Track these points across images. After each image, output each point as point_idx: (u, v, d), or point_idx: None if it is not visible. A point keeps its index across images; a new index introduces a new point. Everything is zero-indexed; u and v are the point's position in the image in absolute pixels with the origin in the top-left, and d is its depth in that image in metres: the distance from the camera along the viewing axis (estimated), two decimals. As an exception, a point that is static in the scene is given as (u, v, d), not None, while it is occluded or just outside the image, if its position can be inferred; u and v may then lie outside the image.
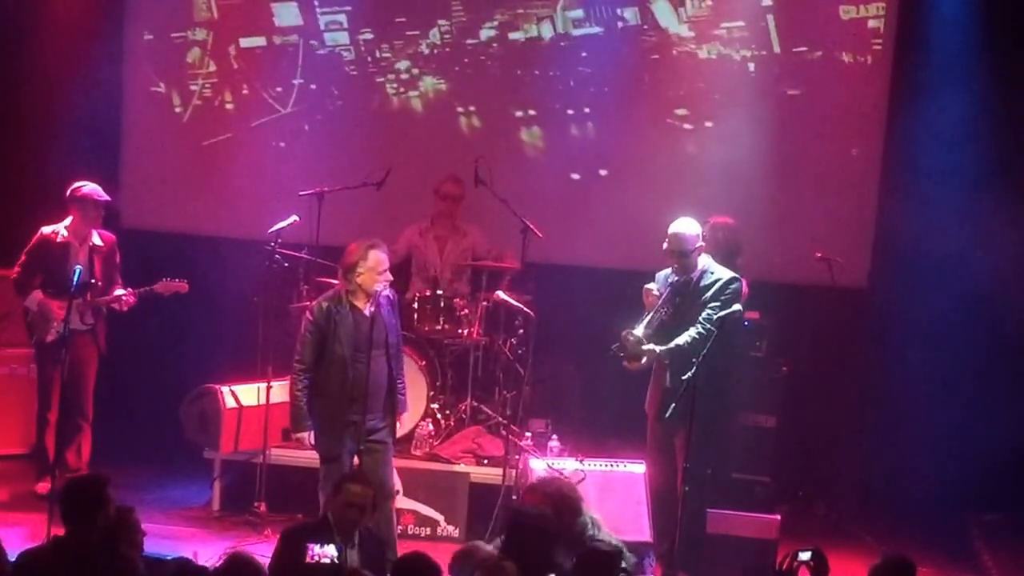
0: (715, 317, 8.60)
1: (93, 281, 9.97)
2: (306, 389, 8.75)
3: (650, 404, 9.04)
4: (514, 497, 9.37)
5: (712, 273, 8.89)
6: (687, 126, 11.52)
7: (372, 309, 8.66)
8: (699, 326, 8.69)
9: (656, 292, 8.92)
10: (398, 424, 9.00)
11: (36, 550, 6.79)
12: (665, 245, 8.89)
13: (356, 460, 8.79)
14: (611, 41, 11.60)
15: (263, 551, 8.97)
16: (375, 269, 8.64)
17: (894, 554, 6.81)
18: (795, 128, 11.36)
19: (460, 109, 11.89)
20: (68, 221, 10.18)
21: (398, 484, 9.43)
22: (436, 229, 10.96)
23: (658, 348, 8.79)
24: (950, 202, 10.80)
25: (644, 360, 8.84)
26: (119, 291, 10.10)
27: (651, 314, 8.86)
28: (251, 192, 11.75)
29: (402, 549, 8.82)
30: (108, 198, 10.27)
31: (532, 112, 11.72)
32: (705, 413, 8.41)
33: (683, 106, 11.54)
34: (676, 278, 8.92)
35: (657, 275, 9.07)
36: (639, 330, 8.81)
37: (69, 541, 6.69)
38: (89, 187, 10.17)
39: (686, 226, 8.89)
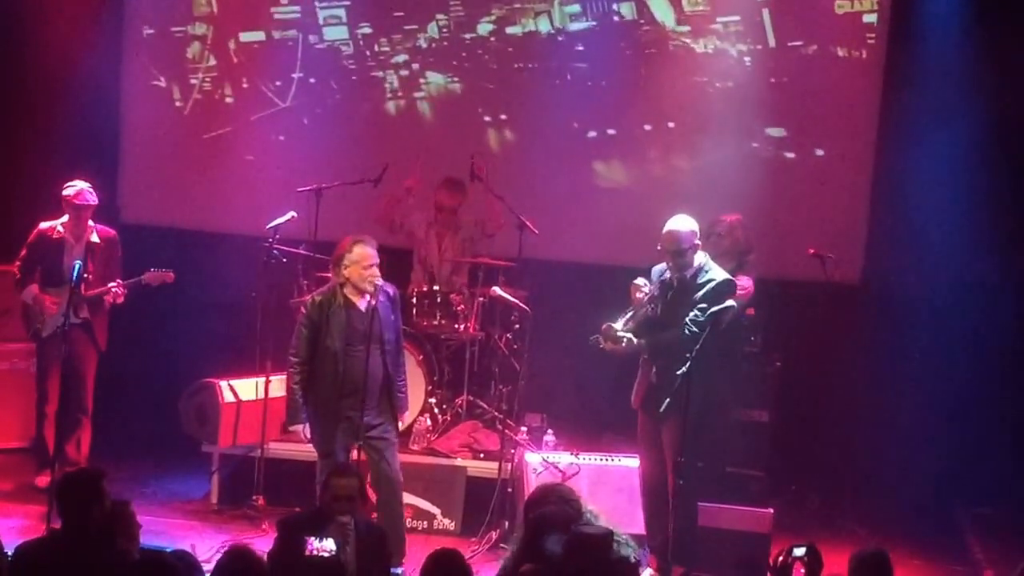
0: (702, 319, 8.56)
1: (86, 276, 9.98)
2: (301, 382, 8.83)
3: (635, 398, 9.00)
4: (509, 490, 9.45)
5: (707, 272, 8.76)
6: (682, 120, 11.56)
7: (371, 304, 8.69)
8: (685, 326, 8.63)
9: (645, 289, 8.84)
10: (400, 423, 9.07)
11: (33, 543, 6.84)
12: (659, 245, 8.77)
13: (356, 455, 8.85)
14: (607, 36, 11.65)
15: (261, 545, 9.10)
16: (360, 263, 8.68)
17: (872, 547, 6.87)
18: (789, 122, 11.41)
19: (456, 105, 11.95)
20: (65, 218, 10.25)
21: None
22: (438, 225, 11.00)
23: (636, 339, 8.73)
24: (943, 197, 10.84)
25: (624, 344, 8.77)
26: (110, 285, 10.14)
27: (636, 310, 8.78)
28: (250, 186, 11.84)
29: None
30: (94, 202, 10.21)
31: (528, 108, 11.75)
32: (694, 407, 8.44)
33: (679, 101, 11.57)
34: (669, 275, 8.90)
35: (653, 270, 9.00)
36: (619, 323, 8.76)
37: (65, 535, 6.75)
38: (76, 189, 10.16)
39: (681, 223, 8.75)
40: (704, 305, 8.61)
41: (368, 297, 8.73)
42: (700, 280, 8.76)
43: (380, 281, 8.74)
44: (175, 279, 10.18)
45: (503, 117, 11.88)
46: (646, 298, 8.79)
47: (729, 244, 9.94)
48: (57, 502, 6.90)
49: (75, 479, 7.02)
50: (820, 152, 11.43)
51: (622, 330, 8.72)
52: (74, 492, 6.81)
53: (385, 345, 8.76)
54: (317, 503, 8.00)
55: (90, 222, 10.23)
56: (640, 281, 8.86)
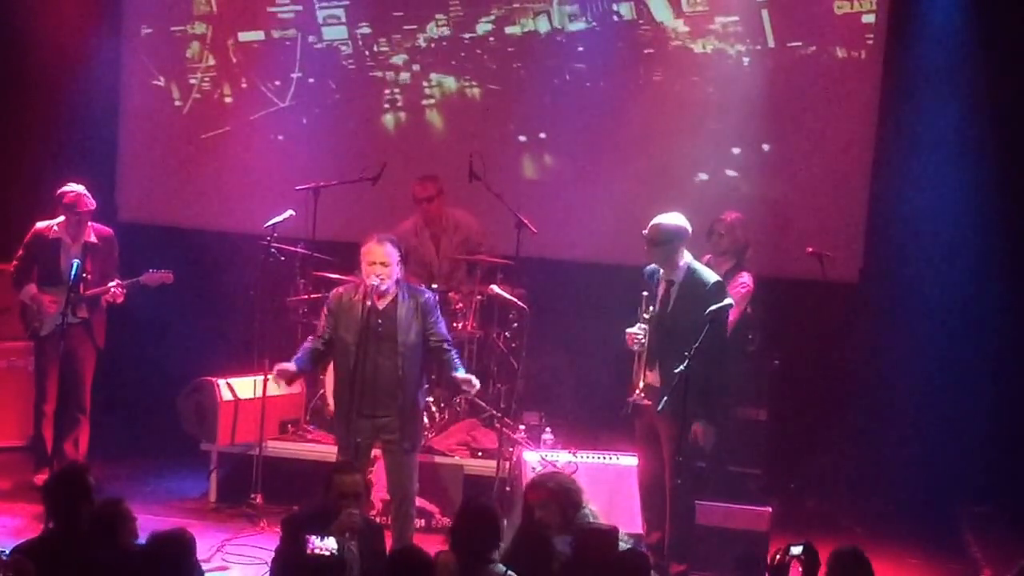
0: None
1: (84, 275, 9.98)
2: (308, 345, 8.83)
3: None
4: (507, 488, 9.46)
5: (695, 273, 8.80)
6: (681, 120, 11.56)
7: (384, 302, 8.63)
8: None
9: (638, 338, 8.79)
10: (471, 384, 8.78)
11: (27, 545, 6.83)
12: (644, 231, 8.81)
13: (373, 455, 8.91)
14: (606, 35, 11.66)
15: (260, 543, 9.14)
16: (364, 259, 8.64)
17: (848, 545, 6.89)
18: (788, 122, 11.40)
19: (451, 103, 11.97)
20: (61, 218, 10.24)
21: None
22: (430, 228, 11.01)
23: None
24: (942, 197, 10.86)
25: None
26: (109, 284, 10.11)
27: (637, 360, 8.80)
28: (249, 186, 11.86)
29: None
30: (92, 206, 10.19)
31: (526, 107, 11.77)
32: (692, 406, 8.43)
33: (677, 100, 11.58)
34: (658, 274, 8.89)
35: (645, 269, 9.01)
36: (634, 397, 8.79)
37: (58, 533, 6.74)
38: (73, 194, 10.13)
39: (669, 219, 8.80)
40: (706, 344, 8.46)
41: (388, 295, 8.67)
42: (696, 280, 8.78)
43: (378, 281, 8.60)
44: (174, 279, 10.17)
45: (503, 117, 11.88)
46: (642, 346, 8.77)
47: (729, 243, 9.96)
48: (47, 503, 6.88)
49: (61, 477, 7.01)
50: (819, 151, 11.42)
51: (638, 394, 8.77)
52: (63, 490, 6.80)
53: (399, 347, 8.63)
54: (321, 499, 7.95)
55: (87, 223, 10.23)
56: (634, 330, 8.82)
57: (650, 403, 8.77)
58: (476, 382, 8.82)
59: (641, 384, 8.79)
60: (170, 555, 6.50)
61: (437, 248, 10.94)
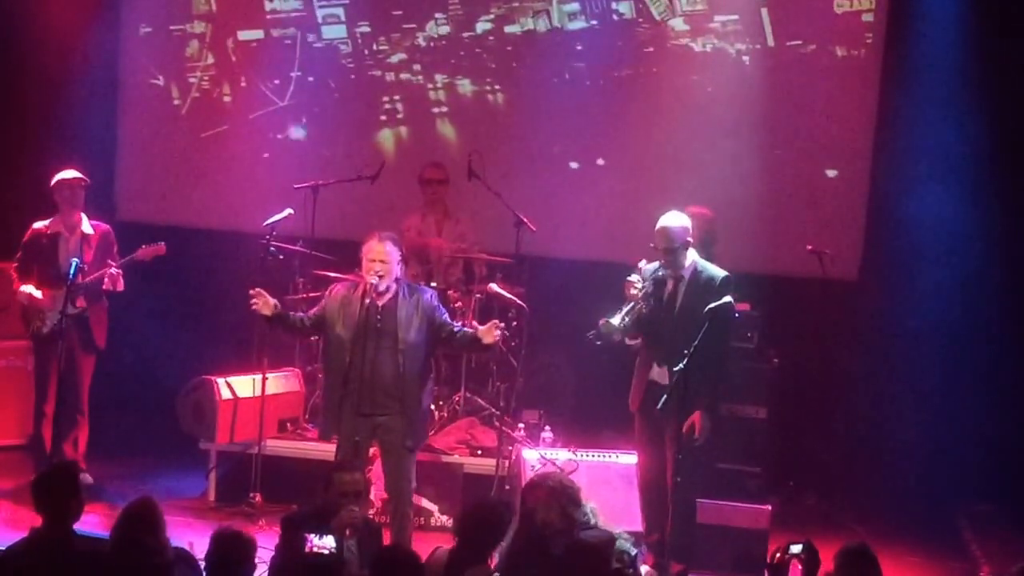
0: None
1: (82, 266, 9.93)
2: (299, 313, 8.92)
3: (633, 398, 8.99)
4: (507, 487, 9.45)
5: (703, 270, 8.75)
6: (681, 119, 11.56)
7: (384, 300, 8.62)
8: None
9: (638, 285, 8.72)
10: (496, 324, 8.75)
11: (18, 544, 6.81)
12: (652, 242, 8.70)
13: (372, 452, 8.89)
14: (606, 34, 11.68)
15: (259, 542, 9.08)
16: (365, 256, 8.64)
17: (856, 543, 6.88)
18: (788, 121, 11.41)
19: (448, 103, 11.98)
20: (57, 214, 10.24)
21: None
22: (433, 214, 11.07)
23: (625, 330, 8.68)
24: (941, 195, 10.86)
25: (618, 337, 8.74)
26: (108, 269, 10.04)
27: (631, 305, 8.72)
28: (248, 184, 11.86)
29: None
30: (81, 177, 10.15)
31: (525, 106, 11.79)
32: (695, 395, 8.42)
33: (677, 99, 11.58)
34: (663, 272, 8.80)
35: (645, 268, 8.97)
36: (616, 319, 8.64)
37: (48, 532, 6.72)
38: (62, 173, 10.14)
39: (673, 220, 8.73)
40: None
41: (388, 293, 8.67)
42: (703, 278, 8.74)
43: (377, 280, 8.60)
44: (166, 249, 10.12)
45: (501, 117, 11.89)
46: (640, 294, 8.74)
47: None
48: (36, 501, 6.85)
49: (51, 476, 6.99)
50: (818, 149, 11.42)
51: (619, 324, 8.69)
52: (52, 489, 6.78)
53: (400, 344, 8.61)
54: (321, 497, 7.93)
55: (83, 216, 10.21)
56: (634, 277, 8.78)
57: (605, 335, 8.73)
58: (498, 323, 8.80)
59: (616, 321, 8.66)
60: (238, 558, 6.51)
61: (440, 232, 10.99)
